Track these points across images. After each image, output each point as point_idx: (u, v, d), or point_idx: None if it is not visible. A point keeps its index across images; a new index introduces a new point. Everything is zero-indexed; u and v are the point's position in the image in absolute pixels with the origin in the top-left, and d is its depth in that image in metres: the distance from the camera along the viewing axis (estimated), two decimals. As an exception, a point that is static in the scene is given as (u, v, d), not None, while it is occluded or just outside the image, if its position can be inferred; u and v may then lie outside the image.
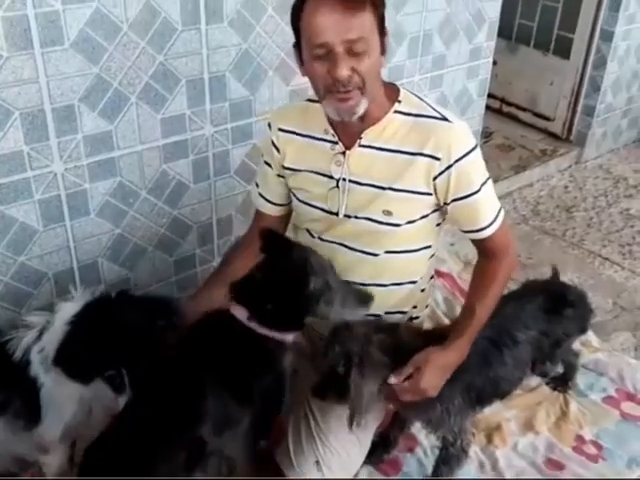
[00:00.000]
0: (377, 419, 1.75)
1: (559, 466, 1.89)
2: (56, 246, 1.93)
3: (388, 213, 1.56)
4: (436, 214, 1.61)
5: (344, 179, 1.57)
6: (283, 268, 1.47)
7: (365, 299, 1.56)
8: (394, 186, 1.54)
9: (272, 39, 2.11)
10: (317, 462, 1.62)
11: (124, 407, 1.46)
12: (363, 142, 1.53)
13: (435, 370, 1.52)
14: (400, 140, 1.52)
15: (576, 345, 2.12)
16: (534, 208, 3.40)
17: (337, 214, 1.61)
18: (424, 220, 1.59)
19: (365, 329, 1.55)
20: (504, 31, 3.56)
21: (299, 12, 1.41)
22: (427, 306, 1.86)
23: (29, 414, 1.56)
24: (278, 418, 1.66)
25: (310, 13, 1.39)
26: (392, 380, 1.52)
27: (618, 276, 2.86)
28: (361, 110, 1.46)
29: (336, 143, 1.55)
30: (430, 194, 1.55)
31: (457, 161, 1.49)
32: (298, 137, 1.61)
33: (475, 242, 1.65)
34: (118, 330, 1.46)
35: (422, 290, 1.76)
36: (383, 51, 1.45)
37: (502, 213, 1.62)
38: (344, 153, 1.55)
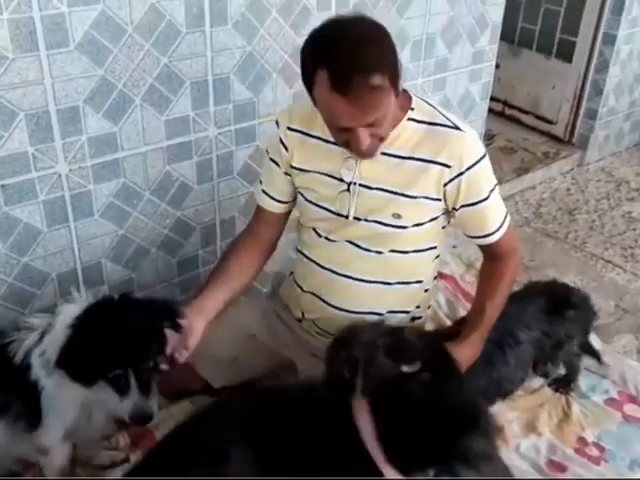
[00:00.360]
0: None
1: (561, 468, 1.89)
2: (60, 247, 1.94)
3: (398, 216, 1.58)
4: (443, 217, 1.63)
5: (355, 183, 1.57)
6: None
7: None
8: (406, 192, 1.56)
9: (276, 41, 2.12)
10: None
11: None
12: None
13: None
14: (413, 147, 1.54)
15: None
16: (536, 210, 3.41)
17: (346, 217, 1.62)
18: (432, 223, 1.61)
19: (370, 334, 1.55)
20: (507, 35, 3.57)
21: (310, 78, 1.41)
22: (429, 307, 1.87)
23: (30, 416, 1.56)
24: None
25: (325, 96, 1.39)
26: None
27: (620, 279, 2.86)
28: (379, 152, 1.50)
29: None
30: (440, 200, 1.57)
31: (468, 169, 1.52)
32: (308, 137, 1.62)
33: (481, 246, 1.67)
34: (121, 332, 1.45)
35: (426, 290, 1.77)
36: (398, 93, 1.45)
37: (509, 217, 1.66)
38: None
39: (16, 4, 1.59)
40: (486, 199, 1.57)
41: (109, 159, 1.92)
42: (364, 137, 1.43)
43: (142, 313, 1.51)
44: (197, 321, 1.56)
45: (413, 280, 1.71)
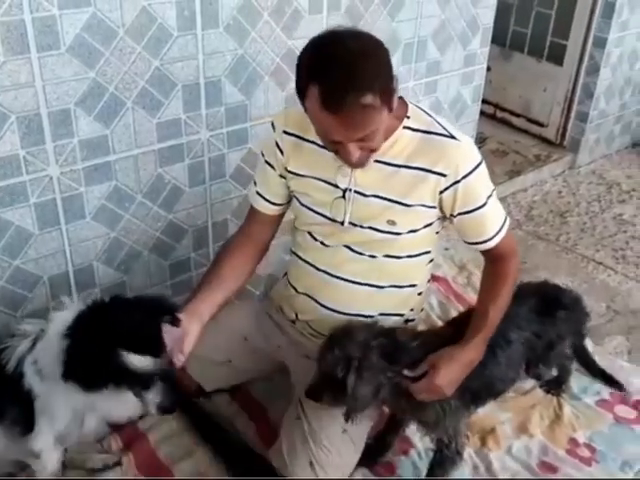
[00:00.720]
0: (371, 420, 1.75)
1: (553, 469, 1.89)
2: (51, 250, 1.94)
3: (392, 223, 1.58)
4: (438, 222, 1.63)
5: (350, 190, 1.58)
6: None
7: None
8: (401, 200, 1.56)
9: (268, 45, 2.12)
10: (311, 463, 1.62)
11: None
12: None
13: (451, 366, 1.54)
14: (408, 156, 1.55)
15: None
16: (528, 213, 3.42)
17: (342, 223, 1.62)
18: (426, 229, 1.62)
19: (364, 334, 1.56)
20: (498, 38, 3.59)
21: (303, 89, 1.40)
22: (422, 309, 1.88)
23: (25, 422, 1.56)
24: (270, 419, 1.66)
25: (316, 111, 1.39)
26: (407, 373, 1.54)
27: (611, 280, 2.88)
28: (370, 162, 1.51)
29: None
30: (435, 207, 1.58)
31: (464, 177, 1.53)
32: (303, 142, 1.63)
33: (481, 251, 1.67)
34: (119, 334, 1.43)
35: (419, 293, 1.78)
36: (391, 109, 1.44)
37: (507, 221, 1.66)
38: None
39: (7, 6, 1.59)
40: (484, 205, 1.58)
41: (101, 162, 1.92)
42: (354, 151, 1.44)
43: (141, 311, 1.49)
44: (192, 324, 1.55)
45: (406, 284, 1.71)
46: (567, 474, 1.88)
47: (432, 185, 1.54)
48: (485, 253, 1.68)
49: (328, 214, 1.64)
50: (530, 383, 2.12)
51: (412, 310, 1.78)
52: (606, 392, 2.16)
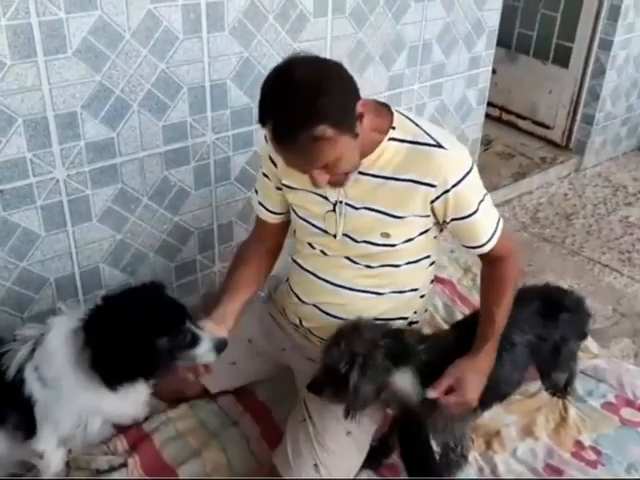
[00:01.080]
0: (375, 422, 1.75)
1: (558, 471, 1.88)
2: (58, 251, 1.95)
3: (386, 235, 1.58)
4: (434, 227, 1.63)
5: (341, 202, 1.58)
6: None
7: None
8: (393, 213, 1.55)
9: (273, 47, 2.13)
10: (315, 465, 1.62)
11: None
12: (359, 169, 1.52)
13: (474, 378, 1.57)
14: (395, 168, 1.53)
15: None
16: (534, 215, 3.41)
17: (334, 236, 1.62)
18: (422, 236, 1.61)
19: (372, 332, 1.56)
20: (504, 40, 3.59)
21: (261, 123, 1.39)
22: (426, 310, 1.87)
23: (26, 426, 1.57)
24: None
25: (273, 145, 1.40)
26: (431, 394, 1.55)
27: (617, 283, 2.87)
28: (350, 180, 1.49)
29: None
30: (428, 216, 1.57)
31: (453, 186, 1.51)
32: None
33: (477, 254, 1.68)
34: (153, 304, 1.51)
35: (422, 296, 1.78)
36: (357, 135, 1.41)
37: (501, 223, 1.64)
38: None
39: (14, 10, 1.61)
40: (475, 212, 1.56)
41: (107, 164, 1.93)
42: (319, 177, 1.43)
43: (152, 295, 1.56)
44: (220, 331, 1.59)
45: (408, 289, 1.71)
46: (572, 477, 1.86)
47: (422, 196, 1.53)
48: (481, 256, 1.68)
49: (322, 226, 1.64)
50: (535, 386, 2.11)
51: (415, 313, 1.78)
52: (612, 395, 2.14)
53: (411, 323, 1.78)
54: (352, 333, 1.56)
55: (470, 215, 1.56)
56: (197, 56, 1.97)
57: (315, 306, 1.74)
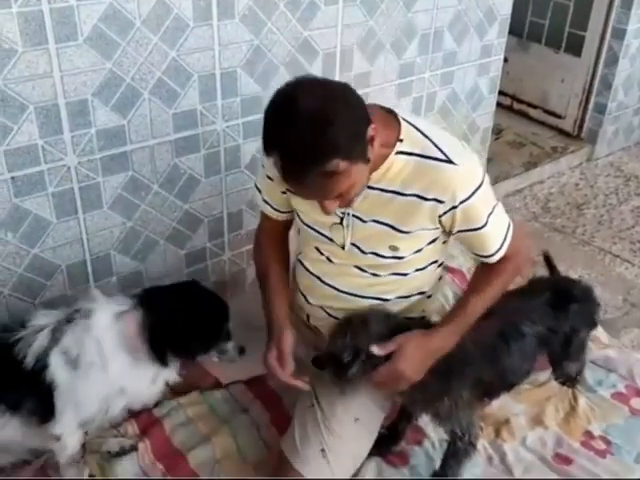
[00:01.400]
0: (384, 411, 1.76)
1: (567, 460, 1.89)
2: (69, 238, 1.96)
3: (395, 249, 1.55)
4: (443, 234, 1.59)
5: (348, 214, 1.54)
6: None
7: None
8: (400, 228, 1.52)
9: (283, 35, 2.12)
10: (322, 450, 1.62)
11: None
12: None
13: (418, 354, 1.52)
14: (403, 182, 1.48)
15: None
16: (544, 205, 3.40)
17: (343, 247, 1.60)
18: (431, 245, 1.59)
19: (380, 326, 1.56)
20: (515, 28, 3.57)
21: (267, 151, 1.34)
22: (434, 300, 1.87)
23: (43, 411, 1.59)
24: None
25: (281, 176, 1.34)
26: (374, 349, 1.51)
27: (628, 273, 2.86)
28: (359, 200, 1.47)
29: None
30: (437, 228, 1.54)
31: (462, 202, 1.46)
32: None
33: None
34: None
35: (429, 297, 1.76)
36: (369, 160, 1.36)
37: (511, 230, 1.59)
38: None
39: (26, -3, 1.61)
40: (484, 226, 1.52)
41: (117, 152, 1.94)
42: (331, 206, 1.40)
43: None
44: (289, 334, 1.65)
45: (414, 293, 1.69)
46: (582, 466, 1.87)
47: (430, 211, 1.48)
48: None
49: (329, 235, 1.61)
50: (545, 375, 2.11)
51: (423, 311, 1.77)
52: (622, 385, 2.14)
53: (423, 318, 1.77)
54: (359, 326, 1.55)
55: (478, 229, 1.52)
56: (207, 44, 1.97)
57: (321, 307, 1.74)
